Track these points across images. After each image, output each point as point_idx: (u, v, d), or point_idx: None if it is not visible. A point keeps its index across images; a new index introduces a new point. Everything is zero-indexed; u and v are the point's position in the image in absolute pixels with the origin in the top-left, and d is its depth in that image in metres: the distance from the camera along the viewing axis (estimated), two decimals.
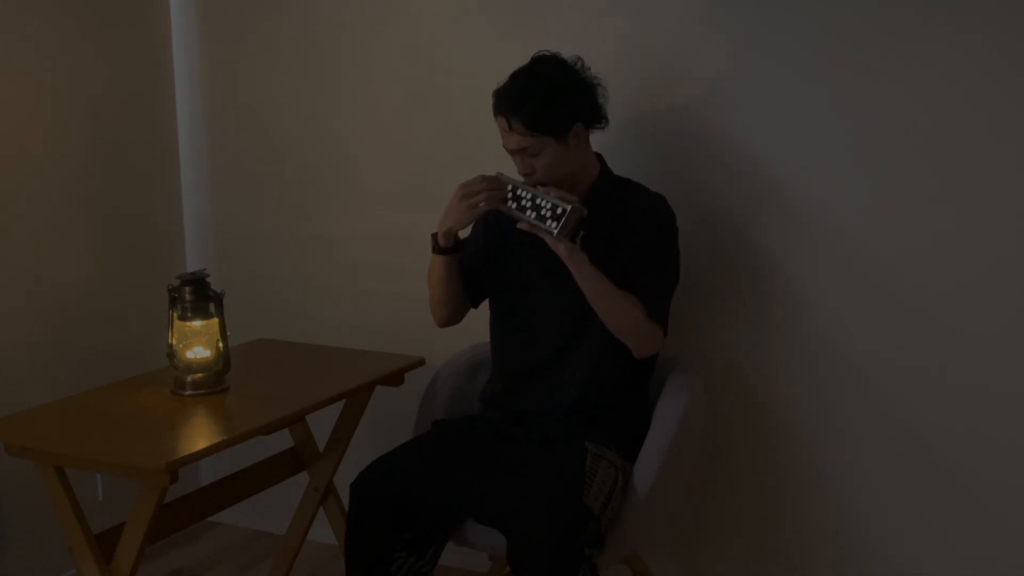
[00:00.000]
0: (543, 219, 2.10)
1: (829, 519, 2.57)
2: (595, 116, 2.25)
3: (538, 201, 2.11)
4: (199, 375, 2.34)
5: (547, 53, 2.24)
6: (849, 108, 2.41)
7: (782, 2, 2.43)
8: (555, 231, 2.08)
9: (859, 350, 2.48)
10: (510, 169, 2.24)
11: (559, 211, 2.07)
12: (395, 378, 2.56)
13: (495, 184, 2.17)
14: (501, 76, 2.20)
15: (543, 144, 2.16)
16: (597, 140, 2.32)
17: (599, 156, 2.33)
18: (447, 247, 2.26)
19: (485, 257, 2.36)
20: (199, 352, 2.36)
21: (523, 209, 2.13)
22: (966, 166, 2.33)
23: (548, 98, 2.15)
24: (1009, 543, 2.41)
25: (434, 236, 2.27)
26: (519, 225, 2.14)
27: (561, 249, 2.11)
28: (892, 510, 2.51)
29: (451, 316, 2.40)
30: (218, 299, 2.37)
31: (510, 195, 2.15)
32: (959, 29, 2.29)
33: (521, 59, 2.23)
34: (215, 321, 2.37)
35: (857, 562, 2.56)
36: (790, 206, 2.49)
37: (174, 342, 2.36)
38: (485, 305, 2.43)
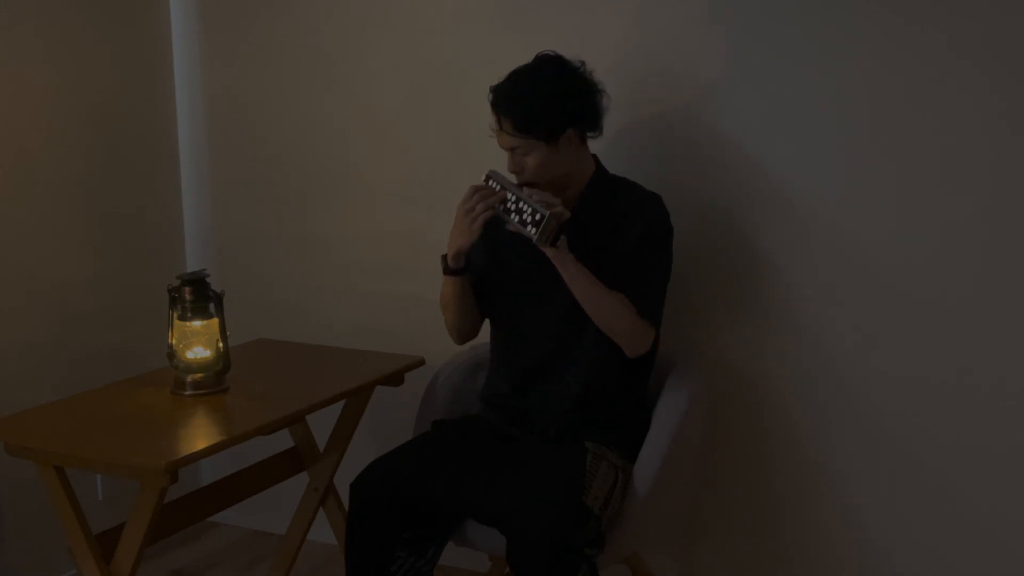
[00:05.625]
0: (524, 223, 2.11)
1: (828, 518, 2.57)
2: (590, 123, 2.23)
3: (521, 205, 2.12)
4: (199, 375, 2.34)
5: (551, 54, 2.22)
6: (847, 109, 2.41)
7: (780, 4, 2.44)
8: (535, 237, 2.09)
9: (856, 349, 2.48)
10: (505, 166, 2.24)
11: (538, 217, 2.08)
12: (395, 378, 2.56)
13: (486, 192, 2.17)
14: (499, 76, 2.20)
15: (532, 146, 2.16)
16: (592, 141, 2.31)
17: (594, 157, 2.33)
18: (457, 268, 2.26)
19: (486, 262, 2.36)
20: (199, 352, 2.36)
21: (508, 211, 2.14)
22: (966, 167, 2.33)
23: (541, 102, 2.14)
24: (1004, 548, 2.41)
25: (443, 258, 2.26)
26: (507, 226, 2.15)
27: (547, 252, 2.12)
28: (889, 509, 2.51)
29: (469, 332, 2.40)
30: (218, 299, 2.37)
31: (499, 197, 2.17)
32: (958, 31, 2.29)
33: (520, 59, 2.23)
34: (215, 321, 2.37)
35: (855, 561, 2.56)
36: (788, 207, 2.49)
37: (174, 342, 2.36)
38: None
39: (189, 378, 2.34)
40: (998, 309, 2.35)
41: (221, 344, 2.37)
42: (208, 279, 2.38)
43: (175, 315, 2.36)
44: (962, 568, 2.46)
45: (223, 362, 2.37)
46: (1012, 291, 2.33)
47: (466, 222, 2.18)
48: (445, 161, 2.83)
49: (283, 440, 2.69)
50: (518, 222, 2.12)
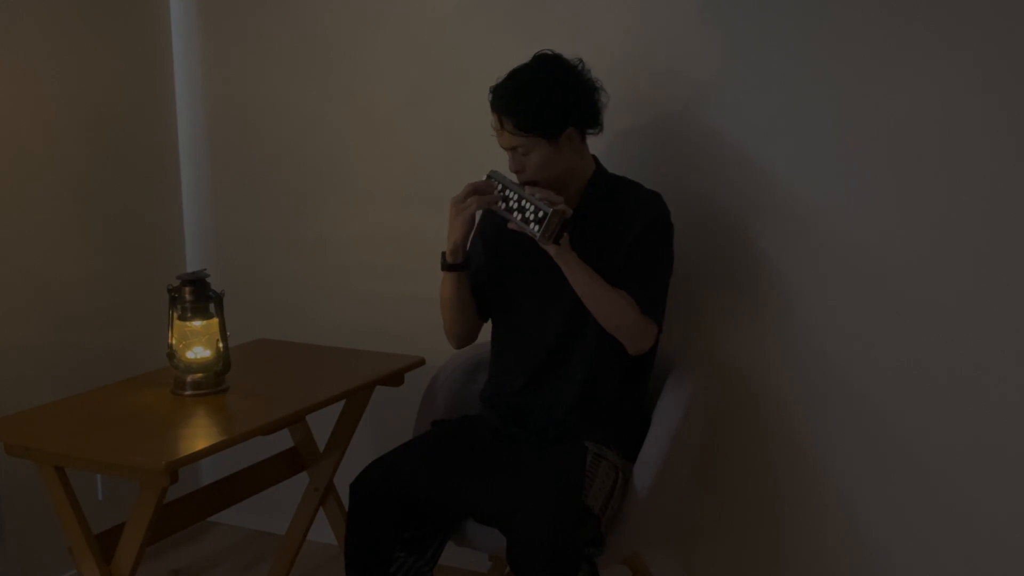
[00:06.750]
0: (527, 221, 2.11)
1: (828, 518, 2.57)
2: (589, 121, 2.24)
3: (523, 203, 2.12)
4: (199, 375, 2.34)
5: (549, 53, 2.23)
6: (846, 109, 2.41)
7: (779, 4, 2.44)
8: (538, 234, 2.09)
9: (855, 349, 2.48)
10: (504, 166, 2.24)
11: (540, 214, 2.09)
12: (395, 378, 2.56)
13: (484, 188, 2.18)
14: (499, 77, 2.20)
15: (534, 144, 2.17)
16: (593, 141, 2.32)
17: (594, 157, 2.33)
18: (455, 264, 2.27)
19: (486, 263, 2.36)
20: (199, 352, 2.36)
21: (511, 210, 2.15)
22: (964, 166, 2.33)
23: (542, 100, 2.15)
24: (1005, 547, 2.41)
25: (443, 255, 2.27)
26: (509, 224, 2.16)
27: (549, 249, 2.13)
28: (889, 508, 2.51)
29: (466, 334, 2.40)
30: (218, 299, 2.37)
31: (499, 195, 2.17)
32: (957, 31, 2.29)
33: (518, 60, 2.23)
34: (215, 321, 2.37)
35: (855, 561, 2.56)
36: (787, 206, 2.49)
37: (174, 342, 2.36)
38: None
39: (189, 378, 2.34)
40: (998, 308, 2.35)
41: (221, 344, 2.37)
42: (208, 279, 2.39)
43: (175, 315, 2.36)
44: (962, 567, 2.46)
45: (223, 362, 2.37)
46: (1011, 290, 2.33)
47: (457, 218, 2.19)
48: (444, 161, 2.83)
49: (283, 440, 2.70)
50: (520, 220, 2.13)
